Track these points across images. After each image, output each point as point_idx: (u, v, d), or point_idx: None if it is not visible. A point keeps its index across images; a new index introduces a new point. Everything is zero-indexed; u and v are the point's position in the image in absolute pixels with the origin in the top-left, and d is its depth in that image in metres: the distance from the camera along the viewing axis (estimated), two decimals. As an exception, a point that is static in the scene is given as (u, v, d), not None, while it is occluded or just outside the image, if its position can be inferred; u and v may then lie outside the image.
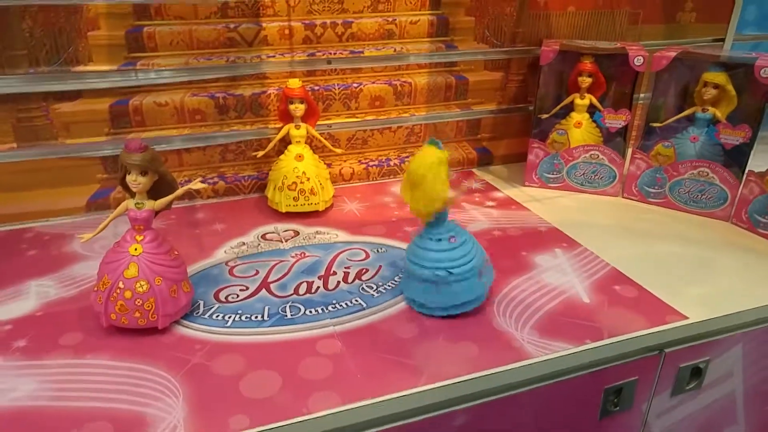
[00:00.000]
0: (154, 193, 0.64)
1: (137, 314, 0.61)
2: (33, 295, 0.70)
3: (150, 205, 0.63)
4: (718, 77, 0.89)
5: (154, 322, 0.62)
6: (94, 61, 0.81)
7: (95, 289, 0.63)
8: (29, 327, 0.64)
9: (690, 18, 1.12)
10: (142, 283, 0.61)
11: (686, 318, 0.66)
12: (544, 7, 1.01)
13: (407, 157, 1.03)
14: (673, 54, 0.89)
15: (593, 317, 0.66)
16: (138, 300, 0.61)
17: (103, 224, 0.65)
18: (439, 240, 0.65)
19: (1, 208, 0.84)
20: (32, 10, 0.75)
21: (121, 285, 0.61)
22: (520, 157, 1.08)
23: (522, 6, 0.99)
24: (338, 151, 0.93)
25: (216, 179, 0.93)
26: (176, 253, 0.65)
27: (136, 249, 0.62)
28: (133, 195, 0.63)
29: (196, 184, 0.65)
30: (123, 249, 0.63)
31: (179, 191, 0.64)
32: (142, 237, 0.63)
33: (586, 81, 0.97)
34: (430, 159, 0.63)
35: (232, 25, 0.85)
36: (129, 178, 0.61)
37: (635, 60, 0.90)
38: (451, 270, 0.64)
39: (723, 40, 1.16)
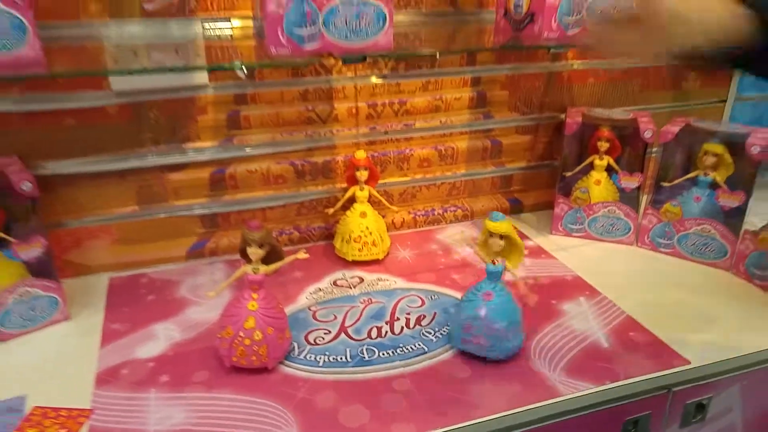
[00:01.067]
0: (265, 260, 0.81)
1: (253, 357, 0.79)
2: (162, 338, 0.87)
3: (264, 270, 0.80)
4: (717, 148, 1.05)
5: (265, 363, 0.79)
6: (201, 139, 0.99)
7: (219, 335, 0.81)
8: (166, 365, 0.82)
9: (695, 86, 1.27)
10: (258, 333, 0.78)
11: (689, 362, 0.82)
12: (568, 80, 1.17)
13: (450, 207, 1.20)
14: (677, 129, 1.06)
15: (612, 360, 0.82)
16: (255, 346, 0.78)
17: (224, 284, 0.82)
18: (485, 294, 0.81)
19: (123, 256, 1.02)
20: (159, 103, 0.93)
21: (241, 334, 0.78)
22: (546, 206, 1.24)
23: (549, 80, 1.16)
24: (394, 208, 1.11)
25: (292, 230, 1.10)
26: (280, 306, 0.83)
27: (252, 305, 0.79)
28: (249, 262, 0.81)
29: (301, 255, 0.82)
30: (242, 305, 0.80)
31: (286, 259, 0.81)
32: (257, 295, 0.80)
33: (604, 145, 1.13)
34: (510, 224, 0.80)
35: (310, 107, 1.02)
36: (249, 250, 0.79)
37: (645, 133, 1.06)
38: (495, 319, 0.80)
39: (725, 101, 1.32)
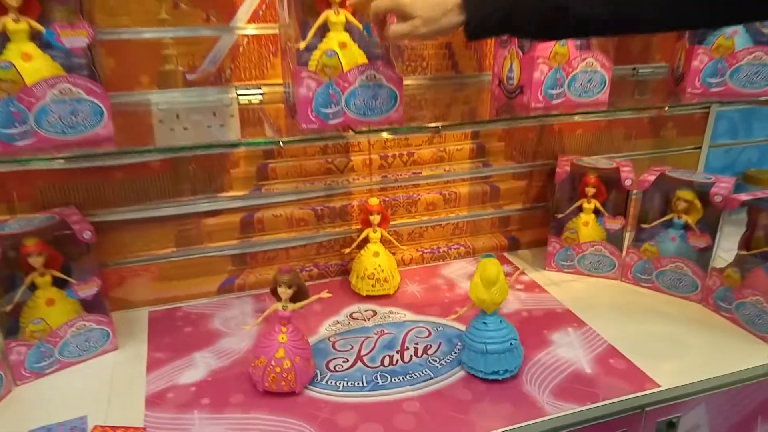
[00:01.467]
0: (293, 298, 0.94)
1: (283, 383, 0.91)
2: (201, 365, 1.00)
3: (292, 307, 0.93)
4: (687, 195, 1.18)
5: (293, 388, 0.92)
6: (233, 188, 1.12)
7: (253, 364, 0.93)
8: (206, 389, 0.94)
9: (672, 134, 1.41)
10: (287, 361, 0.91)
11: (659, 386, 0.94)
12: (558, 131, 1.31)
13: (454, 245, 1.33)
14: (653, 177, 1.19)
15: (593, 384, 0.94)
16: (284, 373, 0.90)
17: (259, 319, 0.95)
18: (492, 323, 0.94)
19: (161, 292, 1.15)
20: (197, 157, 1.07)
21: (273, 363, 0.91)
22: (541, 243, 1.37)
23: (541, 132, 1.30)
24: (403, 248, 1.24)
25: (312, 267, 1.23)
26: (306, 338, 0.95)
27: (282, 338, 0.92)
28: (279, 300, 0.93)
29: (324, 294, 0.95)
30: (273, 338, 0.92)
31: (312, 298, 0.94)
32: (286, 329, 0.92)
33: (591, 191, 1.26)
34: (498, 266, 0.92)
35: (329, 159, 1.16)
36: (279, 290, 0.91)
37: (626, 182, 1.20)
38: (498, 342, 0.93)
39: (700, 147, 1.45)
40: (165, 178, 1.08)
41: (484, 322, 0.94)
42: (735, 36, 1.05)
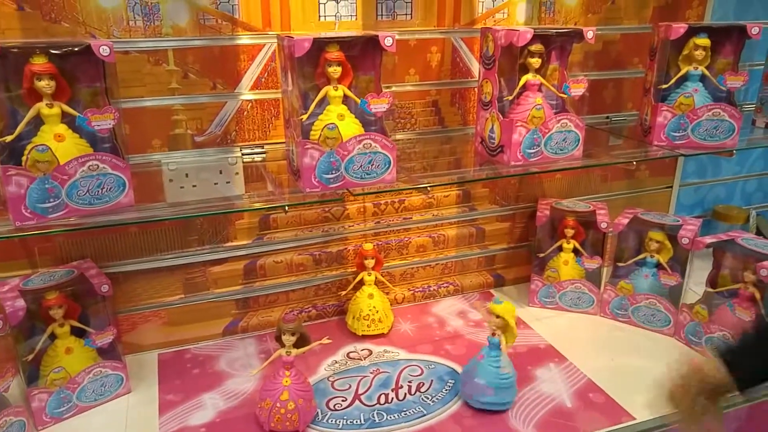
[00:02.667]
0: (296, 344, 1.01)
1: (287, 423, 0.98)
2: (209, 406, 1.07)
3: (295, 352, 1.00)
4: (658, 236, 1.28)
5: (297, 427, 0.99)
6: (237, 239, 1.21)
7: (259, 406, 1.00)
8: (215, 430, 1.01)
9: (645, 175, 1.52)
10: (291, 403, 0.98)
11: (634, 419, 1.02)
12: (538, 177, 1.41)
13: (443, 284, 1.42)
14: (626, 220, 1.29)
15: (573, 418, 1.03)
16: (288, 414, 0.98)
17: (264, 364, 1.02)
18: (497, 360, 1.03)
19: (169, 336, 1.23)
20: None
21: (278, 405, 0.98)
22: (524, 279, 1.46)
23: (522, 178, 1.39)
24: (396, 290, 1.32)
25: (310, 308, 1.31)
26: (308, 381, 1.03)
27: (286, 381, 0.99)
28: (283, 346, 1.01)
29: (325, 341, 1.03)
30: (278, 381, 1.00)
31: (313, 344, 1.02)
32: (289, 373, 1.00)
33: (569, 232, 1.36)
34: (513, 306, 1.02)
35: (326, 209, 1.25)
36: (284, 337, 0.99)
37: (601, 225, 1.30)
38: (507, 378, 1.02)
39: (671, 187, 1.56)
40: (175, 231, 1.16)
41: (500, 359, 1.03)
42: (695, 94, 1.16)
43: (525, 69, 1.09)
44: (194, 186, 1.09)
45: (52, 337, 1.04)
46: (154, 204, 1.04)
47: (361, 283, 1.27)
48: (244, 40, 1.10)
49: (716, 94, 1.18)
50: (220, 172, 1.13)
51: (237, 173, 1.14)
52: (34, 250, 1.09)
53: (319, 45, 0.93)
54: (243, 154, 1.15)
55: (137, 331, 1.21)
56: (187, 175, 1.11)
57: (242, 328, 1.27)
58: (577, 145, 1.10)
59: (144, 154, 1.10)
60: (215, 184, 1.11)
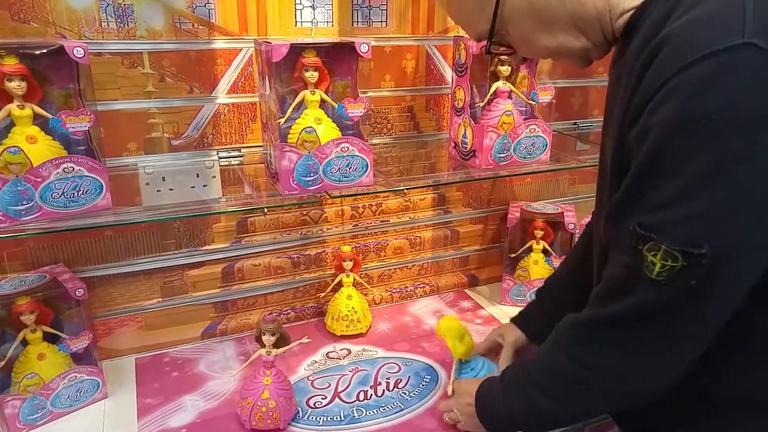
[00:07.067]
0: (275, 344, 1.03)
1: (269, 421, 0.99)
2: (190, 408, 1.07)
3: (275, 352, 1.02)
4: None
5: (278, 424, 1.00)
6: (215, 242, 1.21)
7: (240, 405, 1.01)
8: (197, 430, 1.01)
9: (611, 178, 1.58)
10: (272, 401, 0.99)
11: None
12: (510, 181, 1.46)
13: (420, 284, 1.45)
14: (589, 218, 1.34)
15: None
16: (269, 412, 0.99)
17: (245, 365, 1.03)
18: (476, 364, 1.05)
19: (147, 340, 1.22)
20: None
21: (259, 403, 0.99)
22: (497, 279, 1.50)
23: (494, 182, 1.44)
24: (374, 290, 1.35)
25: (289, 310, 1.33)
26: (288, 380, 1.04)
27: (267, 380, 1.00)
28: (263, 346, 1.02)
29: (304, 340, 1.05)
30: (258, 380, 1.01)
31: (293, 344, 1.03)
32: (269, 372, 1.01)
33: (539, 233, 1.40)
34: (457, 321, 1.05)
35: (305, 212, 1.27)
36: (264, 338, 1.01)
37: (569, 226, 1.35)
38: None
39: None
40: (152, 234, 1.16)
41: (471, 368, 1.05)
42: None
43: (496, 76, 1.14)
44: (171, 189, 1.10)
45: (24, 343, 1.03)
46: (130, 207, 1.05)
47: (340, 284, 1.29)
48: (221, 44, 1.11)
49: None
50: (198, 176, 1.14)
51: (214, 176, 1.15)
52: (3, 255, 1.07)
53: (297, 50, 0.95)
54: (220, 158, 1.16)
55: (114, 335, 1.20)
56: (164, 178, 1.12)
57: (221, 331, 1.28)
58: (544, 149, 1.15)
59: (119, 157, 1.10)
60: (192, 187, 1.12)
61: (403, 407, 1.07)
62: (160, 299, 1.21)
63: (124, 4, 1.02)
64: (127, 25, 1.04)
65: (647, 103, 0.62)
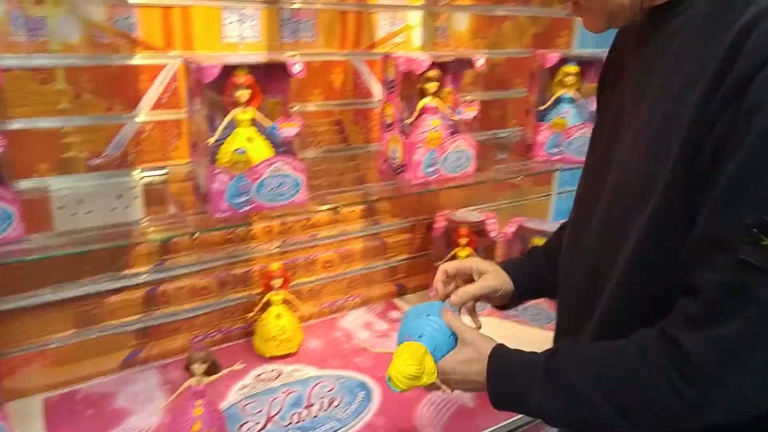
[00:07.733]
0: (206, 372, 0.98)
1: (202, 453, 0.96)
2: (112, 447, 1.00)
3: (206, 381, 0.97)
4: (540, 241, 1.36)
5: (212, 456, 0.97)
6: (136, 266, 1.14)
7: (171, 439, 0.96)
8: (122, 471, 0.95)
9: (527, 184, 1.68)
10: (205, 432, 0.96)
11: (530, 412, 1.13)
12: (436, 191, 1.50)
13: (350, 297, 1.45)
14: (512, 229, 1.43)
15: (475, 415, 1.11)
16: (202, 444, 0.95)
17: (174, 395, 0.98)
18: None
19: (57, 377, 1.12)
20: (98, 237, 1.07)
21: (191, 436, 0.95)
22: (424, 287, 1.54)
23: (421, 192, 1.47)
24: (304, 307, 1.33)
25: (215, 333, 1.28)
26: (220, 409, 1.00)
27: (198, 411, 0.96)
28: (193, 375, 0.97)
29: (236, 366, 1.01)
30: (188, 412, 0.96)
31: (224, 371, 0.99)
32: (200, 402, 0.97)
33: (463, 240, 1.45)
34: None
35: (231, 230, 1.23)
36: (194, 366, 0.96)
37: (491, 234, 1.41)
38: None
39: (550, 195, 1.74)
40: (65, 260, 1.06)
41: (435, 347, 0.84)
42: (567, 116, 1.31)
43: (423, 93, 1.16)
44: (89, 213, 1.03)
45: None
46: (41, 234, 0.96)
47: (268, 303, 1.26)
48: (144, 60, 1.05)
49: (584, 114, 1.34)
50: (119, 197, 1.07)
51: (136, 197, 1.09)
52: None
53: (228, 68, 0.92)
54: (143, 177, 1.09)
55: (18, 374, 1.09)
56: (81, 201, 1.04)
57: (143, 359, 1.20)
58: (470, 162, 1.19)
59: (29, 178, 1.00)
60: (113, 209, 1.05)
61: (339, 426, 1.07)
62: (74, 330, 1.12)
63: (36, 16, 0.94)
64: (39, 38, 0.96)
65: (751, 79, 0.56)
